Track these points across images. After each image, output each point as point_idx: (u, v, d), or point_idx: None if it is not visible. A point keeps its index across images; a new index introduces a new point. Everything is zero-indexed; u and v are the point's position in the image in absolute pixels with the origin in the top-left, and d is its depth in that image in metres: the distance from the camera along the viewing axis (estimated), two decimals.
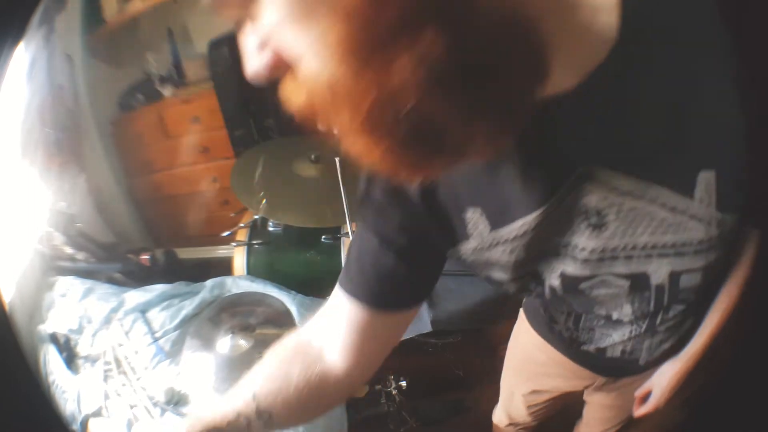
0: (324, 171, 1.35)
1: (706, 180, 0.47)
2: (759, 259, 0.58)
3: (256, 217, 1.55)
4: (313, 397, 0.63)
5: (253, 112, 2.04)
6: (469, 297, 1.37)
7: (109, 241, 1.72)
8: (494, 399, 1.55)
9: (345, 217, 0.90)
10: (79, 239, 1.46)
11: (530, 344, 0.90)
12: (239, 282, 1.33)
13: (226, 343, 1.14)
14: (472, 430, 1.62)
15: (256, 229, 1.54)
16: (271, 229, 1.52)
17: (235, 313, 1.21)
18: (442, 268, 0.60)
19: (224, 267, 1.49)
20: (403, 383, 1.46)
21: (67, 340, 1.16)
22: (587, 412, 1.06)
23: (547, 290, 0.57)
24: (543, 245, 0.52)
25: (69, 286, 1.26)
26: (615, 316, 0.63)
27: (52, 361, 1.12)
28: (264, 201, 1.26)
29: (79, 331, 1.17)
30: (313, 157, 1.36)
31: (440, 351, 1.63)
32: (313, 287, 1.35)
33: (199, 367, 1.10)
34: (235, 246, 1.50)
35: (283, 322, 1.20)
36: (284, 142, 1.79)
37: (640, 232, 0.50)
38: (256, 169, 1.37)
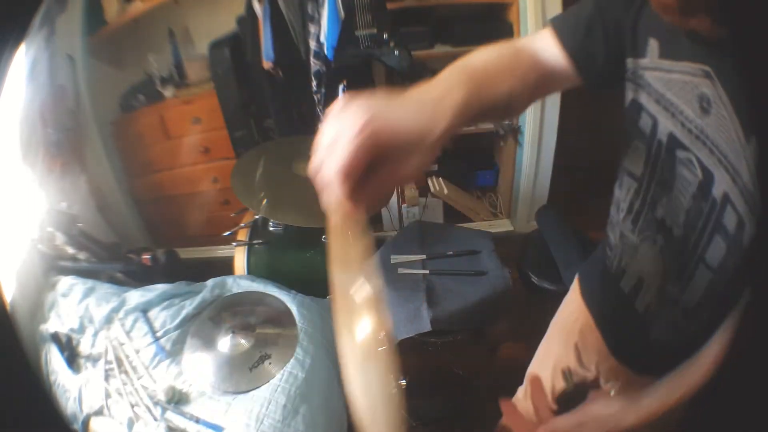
0: None
1: (754, 144, 0.55)
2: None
3: (257, 217, 1.55)
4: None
5: (254, 112, 2.05)
6: (469, 297, 1.37)
7: (110, 241, 1.73)
8: (494, 399, 1.55)
9: None
10: (80, 239, 1.46)
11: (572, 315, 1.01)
12: (240, 282, 1.34)
13: (226, 343, 1.14)
14: (472, 429, 1.62)
15: (257, 229, 1.54)
16: (271, 229, 1.53)
17: (236, 313, 1.21)
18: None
19: (225, 267, 1.50)
20: (403, 383, 1.47)
21: (69, 340, 1.16)
22: None
23: (655, 143, 0.71)
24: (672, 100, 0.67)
25: (70, 286, 1.26)
26: (668, 221, 0.74)
27: (53, 361, 1.13)
28: (264, 201, 1.26)
29: (81, 330, 1.18)
30: None
31: (440, 351, 1.63)
32: (313, 287, 1.36)
33: (200, 367, 1.11)
34: (235, 246, 1.50)
35: (283, 322, 1.20)
36: (284, 142, 1.80)
37: (723, 138, 0.60)
38: (256, 169, 1.37)
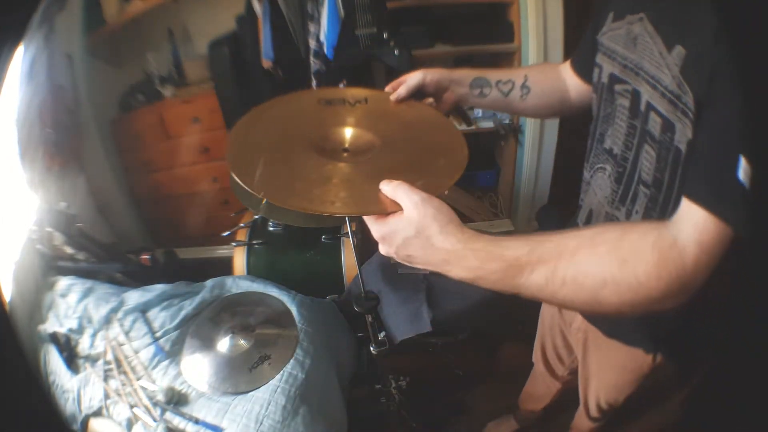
0: None
1: (679, 51, 0.67)
2: None
3: (256, 217, 1.55)
4: (557, 99, 0.99)
5: None
6: (469, 297, 1.37)
7: (109, 241, 1.72)
8: (494, 399, 1.55)
9: (345, 217, 0.89)
10: (79, 239, 1.46)
11: None
12: (239, 282, 1.34)
13: (226, 343, 1.14)
14: (472, 429, 1.62)
15: (256, 229, 1.54)
16: (271, 229, 1.53)
17: (235, 313, 1.21)
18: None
19: (224, 267, 1.50)
20: (403, 383, 1.46)
21: (68, 340, 1.16)
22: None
23: (600, 86, 0.85)
24: (613, 47, 0.82)
25: (69, 286, 1.26)
26: (613, 148, 0.84)
27: (52, 361, 1.12)
28: (264, 201, 1.26)
29: (80, 330, 1.17)
30: None
31: (440, 351, 1.63)
32: (313, 287, 1.35)
33: (199, 367, 1.11)
34: (235, 246, 1.50)
35: (283, 322, 1.20)
36: None
37: (647, 59, 0.73)
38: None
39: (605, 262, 0.58)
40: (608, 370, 1.02)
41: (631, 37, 0.78)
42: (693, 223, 0.60)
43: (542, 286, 0.59)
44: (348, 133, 0.78)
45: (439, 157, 0.72)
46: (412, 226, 0.61)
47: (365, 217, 0.64)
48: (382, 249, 0.65)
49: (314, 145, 0.74)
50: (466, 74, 0.96)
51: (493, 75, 0.97)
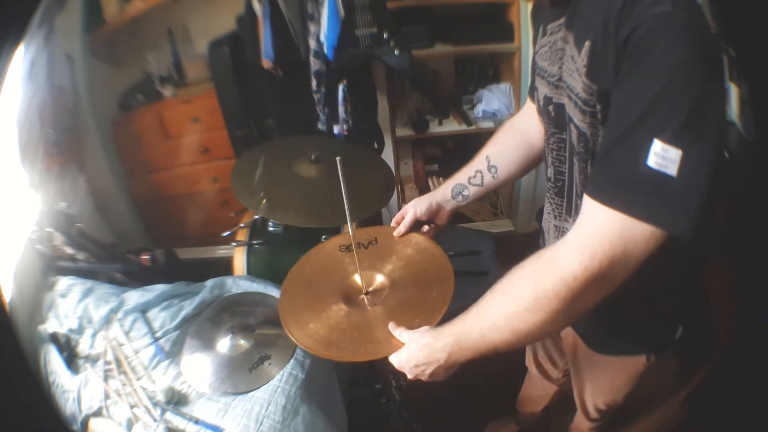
0: (324, 171, 1.35)
1: (586, 47, 0.65)
2: None
3: (256, 217, 1.55)
4: (523, 155, 1.02)
5: (254, 112, 2.04)
6: (470, 298, 1.36)
7: (109, 241, 1.72)
8: (493, 400, 1.55)
9: (345, 217, 0.90)
10: (79, 239, 1.46)
11: None
12: (239, 282, 1.33)
13: (226, 343, 1.14)
14: (472, 429, 1.62)
15: (257, 229, 1.54)
16: (271, 229, 1.52)
17: (235, 313, 1.21)
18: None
19: (224, 267, 1.49)
20: (404, 383, 1.46)
21: (68, 340, 1.16)
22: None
23: (541, 109, 0.84)
24: (544, 66, 0.81)
25: (69, 286, 1.26)
26: (547, 162, 0.86)
27: (52, 361, 1.12)
28: (264, 201, 1.26)
29: (80, 331, 1.17)
30: (313, 157, 1.36)
31: None
32: None
33: (200, 367, 1.11)
34: (235, 246, 1.50)
35: None
36: (284, 142, 1.79)
37: (567, 70, 0.72)
38: (256, 169, 1.37)
39: (503, 305, 0.71)
40: (602, 374, 1.01)
41: (555, 48, 0.76)
42: (584, 226, 0.63)
43: (479, 342, 0.73)
44: (367, 277, 0.97)
45: (432, 290, 0.89)
46: (412, 356, 0.80)
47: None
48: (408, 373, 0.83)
49: (342, 295, 0.94)
50: (444, 189, 1.06)
51: (463, 175, 1.06)
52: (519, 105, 2.22)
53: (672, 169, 0.56)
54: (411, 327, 0.82)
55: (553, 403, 1.41)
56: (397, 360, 0.81)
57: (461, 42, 2.12)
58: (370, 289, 0.95)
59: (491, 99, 2.28)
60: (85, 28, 1.79)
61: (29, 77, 1.42)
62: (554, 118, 0.80)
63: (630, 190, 0.58)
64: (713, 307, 1.00)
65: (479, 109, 2.30)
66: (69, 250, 1.41)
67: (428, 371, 0.79)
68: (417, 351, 0.79)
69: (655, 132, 0.56)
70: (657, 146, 0.56)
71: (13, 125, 1.34)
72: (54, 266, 1.35)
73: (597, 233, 0.60)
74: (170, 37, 1.96)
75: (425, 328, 0.80)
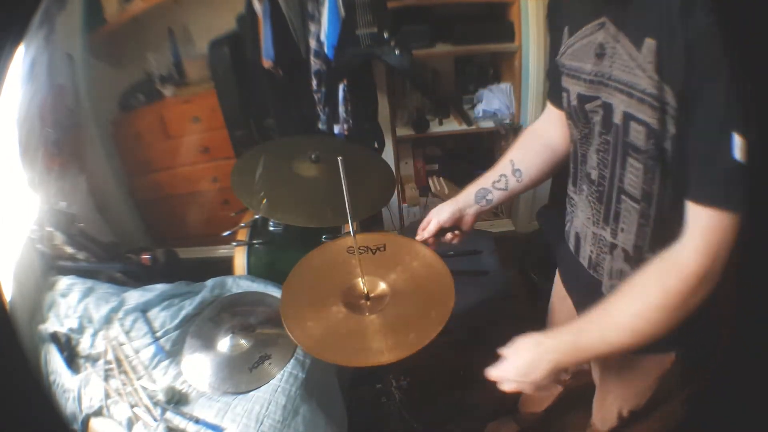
0: (324, 171, 1.35)
1: (649, 44, 0.65)
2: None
3: (257, 216, 1.55)
4: (547, 159, 1.01)
5: (254, 112, 2.05)
6: (470, 297, 1.37)
7: (109, 241, 1.73)
8: (494, 399, 1.55)
9: (346, 216, 0.90)
10: (79, 239, 1.46)
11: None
12: (240, 282, 1.33)
13: (226, 343, 1.14)
14: (472, 429, 1.62)
15: (257, 229, 1.54)
16: (271, 228, 1.52)
17: (236, 313, 1.21)
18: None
19: (225, 267, 1.49)
20: (404, 383, 1.46)
21: (68, 340, 1.16)
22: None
23: (572, 110, 0.83)
24: (575, 66, 0.80)
25: (69, 286, 1.26)
26: (588, 165, 0.84)
27: (52, 361, 1.12)
28: (264, 201, 1.26)
29: (80, 330, 1.17)
30: (313, 157, 1.36)
31: (441, 351, 1.62)
32: None
33: (200, 367, 1.11)
34: (235, 246, 1.50)
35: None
36: (284, 142, 1.79)
37: (618, 65, 0.71)
38: (256, 169, 1.37)
39: (628, 304, 0.71)
40: (632, 376, 1.01)
41: (594, 47, 0.75)
42: (699, 228, 0.66)
43: (597, 343, 0.74)
44: (370, 283, 0.96)
45: (431, 309, 0.89)
46: (517, 360, 0.80)
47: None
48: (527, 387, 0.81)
49: (343, 297, 0.93)
50: (467, 194, 1.04)
51: (486, 180, 1.04)
52: (519, 105, 2.22)
53: (742, 157, 0.60)
54: (405, 341, 0.82)
55: (554, 404, 1.41)
56: (497, 371, 0.80)
57: (461, 42, 2.12)
58: (372, 295, 0.95)
59: (491, 99, 2.28)
60: (86, 27, 1.79)
61: (30, 77, 1.42)
62: (599, 118, 0.78)
63: (723, 185, 0.63)
64: (714, 307, 1.00)
65: (479, 109, 2.30)
66: (69, 250, 1.41)
67: (533, 376, 0.77)
68: (524, 351, 0.77)
69: (732, 125, 0.60)
70: (738, 140, 0.60)
71: (13, 125, 1.34)
72: (54, 266, 1.35)
73: (709, 233, 0.65)
74: (171, 37, 1.97)
75: (527, 335, 0.79)
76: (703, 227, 0.65)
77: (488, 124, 2.26)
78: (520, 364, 0.78)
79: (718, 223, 0.64)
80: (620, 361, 1.00)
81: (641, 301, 0.70)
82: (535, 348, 0.77)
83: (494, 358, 0.82)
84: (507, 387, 0.81)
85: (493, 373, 0.81)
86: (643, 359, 0.95)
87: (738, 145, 0.60)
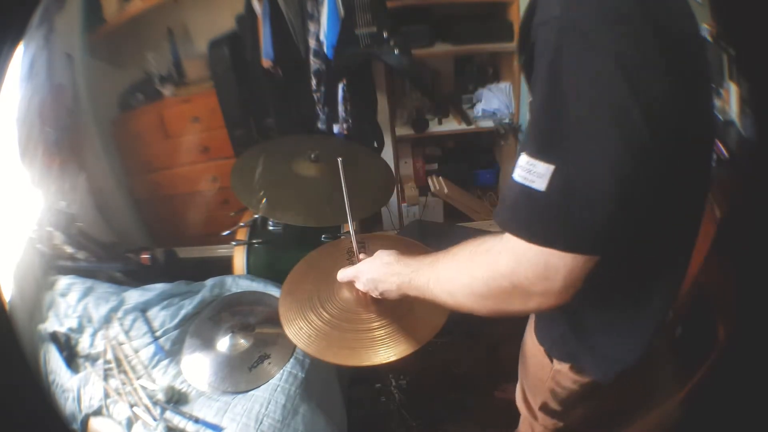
0: (324, 170, 1.35)
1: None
2: None
3: (256, 216, 1.54)
4: None
5: (253, 111, 2.04)
6: None
7: (109, 240, 1.72)
8: (493, 398, 1.55)
9: (345, 216, 0.90)
10: (79, 238, 1.46)
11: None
12: (239, 281, 1.34)
13: (225, 343, 1.14)
14: (472, 430, 1.62)
15: (256, 229, 1.54)
16: (271, 228, 1.52)
17: (235, 313, 1.21)
18: None
19: (224, 266, 1.49)
20: (403, 382, 1.46)
21: (68, 339, 1.16)
22: None
23: None
24: None
25: (69, 285, 1.26)
26: None
27: (52, 360, 1.12)
28: (264, 200, 1.26)
29: (80, 330, 1.17)
30: (313, 156, 1.36)
31: (440, 351, 1.62)
32: None
33: (199, 367, 1.11)
34: (235, 245, 1.50)
35: None
36: (284, 142, 1.79)
37: None
38: (256, 168, 1.37)
39: (456, 271, 0.70)
40: (531, 367, 1.02)
41: None
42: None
43: (423, 289, 0.73)
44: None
45: (430, 309, 0.87)
46: (373, 268, 0.83)
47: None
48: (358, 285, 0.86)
49: (342, 297, 0.94)
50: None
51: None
52: (519, 104, 2.22)
53: (539, 184, 0.54)
54: (405, 341, 0.85)
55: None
56: (356, 269, 0.84)
57: (461, 41, 2.11)
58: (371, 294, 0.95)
59: (491, 98, 2.28)
60: (85, 27, 1.79)
61: (29, 76, 1.42)
62: None
63: (508, 206, 0.60)
64: (712, 306, 1.00)
65: (479, 108, 2.29)
66: (69, 249, 1.41)
67: (381, 288, 0.81)
68: (381, 266, 0.81)
69: (523, 147, 0.56)
70: (523, 160, 0.55)
71: (13, 124, 1.34)
72: (54, 265, 1.35)
73: (514, 246, 0.60)
74: (170, 37, 1.96)
75: (393, 251, 0.81)
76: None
77: (488, 123, 2.26)
78: (371, 275, 0.82)
79: (518, 245, 0.58)
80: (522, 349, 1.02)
81: (468, 274, 0.67)
82: (386, 267, 0.79)
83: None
84: (359, 286, 0.86)
85: (348, 272, 0.86)
86: (532, 356, 0.96)
87: (523, 167, 0.55)
